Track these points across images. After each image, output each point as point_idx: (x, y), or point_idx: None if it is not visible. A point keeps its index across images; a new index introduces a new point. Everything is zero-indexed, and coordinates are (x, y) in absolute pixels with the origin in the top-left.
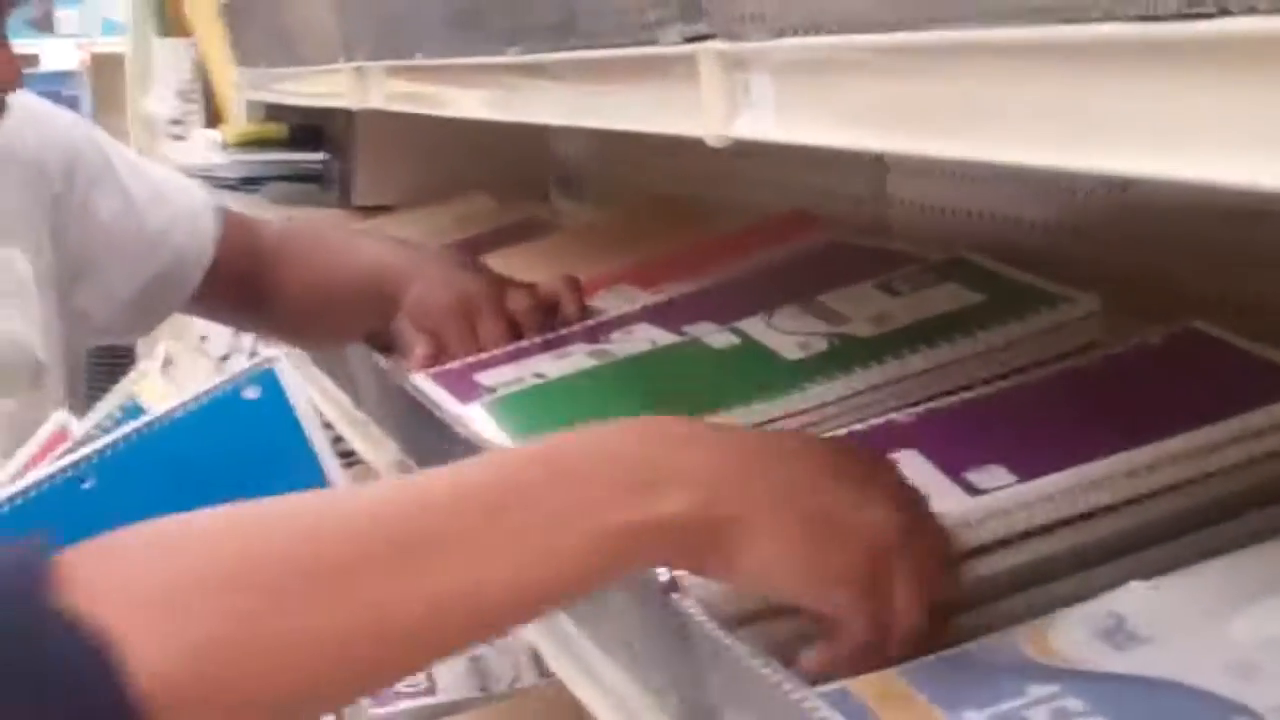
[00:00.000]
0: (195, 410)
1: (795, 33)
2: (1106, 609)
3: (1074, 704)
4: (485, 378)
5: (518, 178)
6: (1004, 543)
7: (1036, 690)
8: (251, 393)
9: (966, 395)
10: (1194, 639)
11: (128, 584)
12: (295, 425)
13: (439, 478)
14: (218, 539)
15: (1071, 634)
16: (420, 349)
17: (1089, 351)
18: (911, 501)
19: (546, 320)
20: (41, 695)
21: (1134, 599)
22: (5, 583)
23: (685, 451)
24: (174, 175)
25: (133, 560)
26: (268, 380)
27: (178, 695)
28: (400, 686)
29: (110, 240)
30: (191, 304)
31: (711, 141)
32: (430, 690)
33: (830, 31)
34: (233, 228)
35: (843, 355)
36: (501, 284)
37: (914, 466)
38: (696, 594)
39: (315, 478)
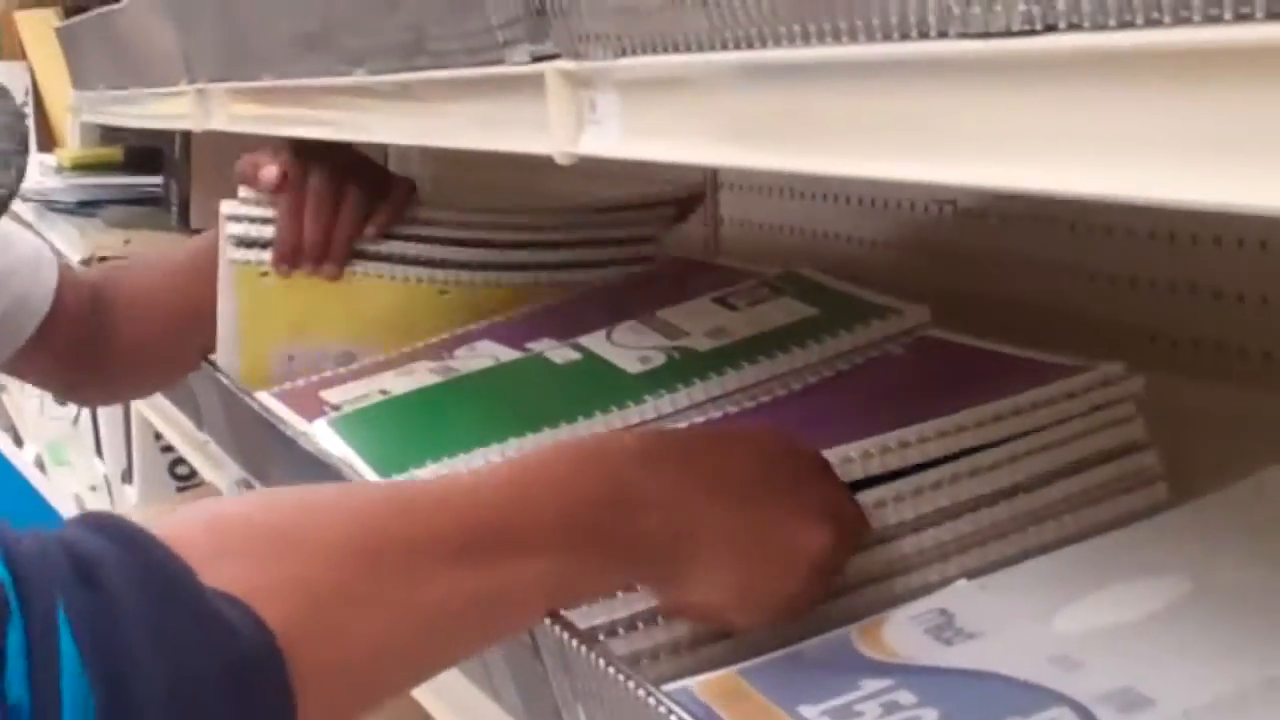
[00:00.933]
0: None
1: (637, 51)
2: (936, 607)
3: (905, 697)
4: (331, 395)
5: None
6: None
7: (870, 685)
8: None
9: (763, 399)
10: (1019, 634)
11: (260, 561)
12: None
13: (481, 487)
14: (329, 515)
15: (903, 631)
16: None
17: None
18: (844, 501)
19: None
20: (214, 655)
21: (961, 597)
22: (161, 575)
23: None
24: (13, 224)
25: (258, 536)
26: None
27: (301, 645)
28: None
29: None
30: (21, 358)
31: (559, 159)
32: None
33: (671, 50)
34: (68, 279)
35: (682, 368)
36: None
37: None
38: None
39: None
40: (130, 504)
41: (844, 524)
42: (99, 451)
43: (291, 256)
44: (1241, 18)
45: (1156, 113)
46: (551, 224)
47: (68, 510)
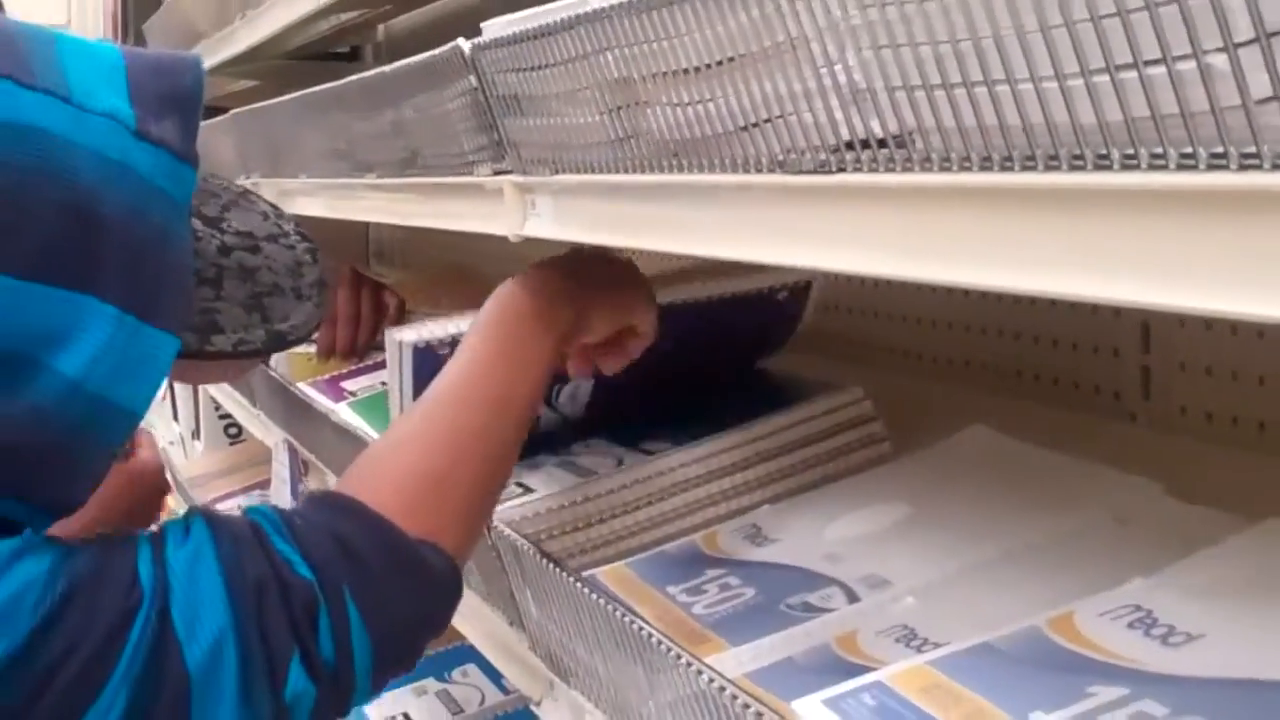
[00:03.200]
0: None
1: (562, 171)
2: (750, 522)
3: (731, 580)
4: (348, 385)
5: (348, 251)
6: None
7: (711, 572)
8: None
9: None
10: (802, 539)
11: (425, 504)
12: None
13: (484, 351)
14: (425, 448)
15: (728, 536)
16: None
17: None
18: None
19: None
20: (430, 592)
21: (765, 515)
22: (388, 542)
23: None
24: None
25: (411, 487)
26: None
27: (464, 547)
28: None
29: None
30: None
31: (511, 239)
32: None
33: (583, 171)
34: None
35: None
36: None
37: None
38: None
39: None
40: (198, 452)
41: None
42: (175, 416)
43: (326, 354)
44: None
45: None
46: None
47: None
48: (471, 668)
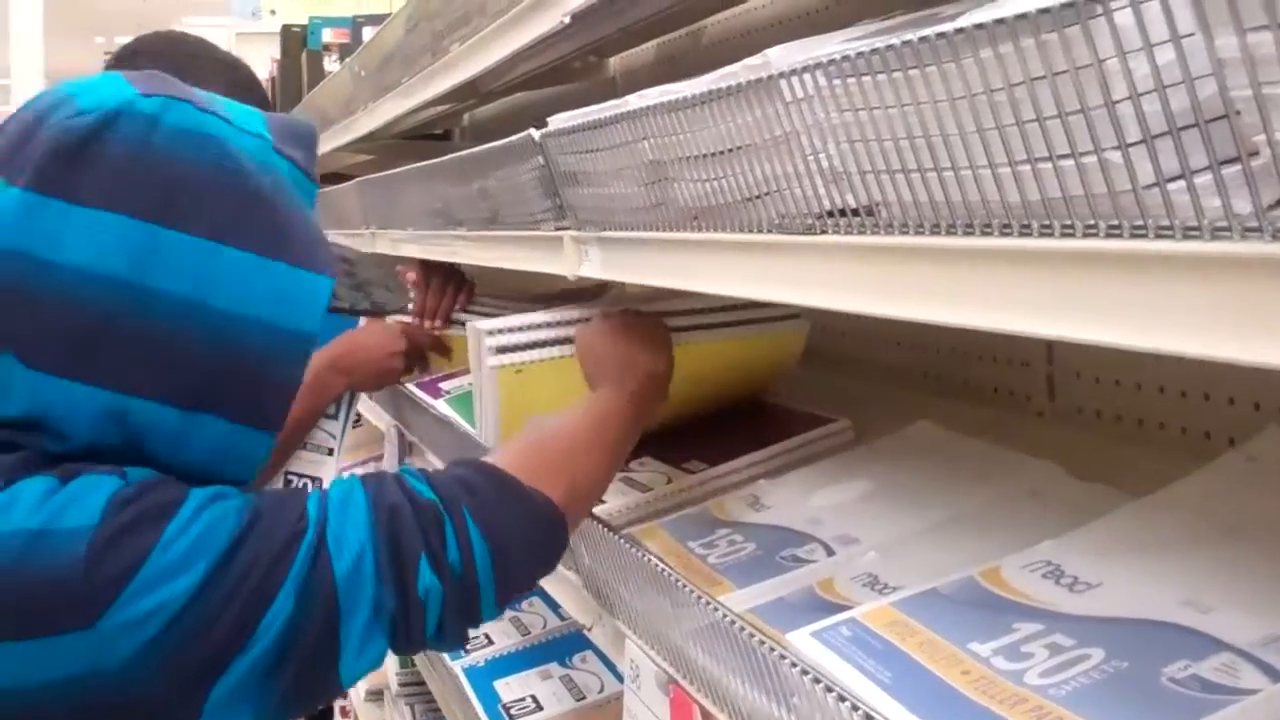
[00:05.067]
0: None
1: (610, 229)
2: (750, 493)
3: (736, 537)
4: (444, 385)
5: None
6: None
7: (720, 531)
8: None
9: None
10: (789, 506)
11: (541, 469)
12: None
13: (603, 399)
14: (559, 440)
15: (733, 504)
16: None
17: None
18: (669, 338)
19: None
20: (539, 528)
21: (762, 488)
22: (506, 485)
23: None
24: None
25: (533, 458)
26: None
27: (570, 513)
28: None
29: None
30: None
31: (570, 277)
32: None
33: (625, 229)
34: None
35: None
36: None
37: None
38: None
39: None
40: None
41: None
42: None
43: (421, 316)
44: None
45: None
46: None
47: None
48: (537, 600)
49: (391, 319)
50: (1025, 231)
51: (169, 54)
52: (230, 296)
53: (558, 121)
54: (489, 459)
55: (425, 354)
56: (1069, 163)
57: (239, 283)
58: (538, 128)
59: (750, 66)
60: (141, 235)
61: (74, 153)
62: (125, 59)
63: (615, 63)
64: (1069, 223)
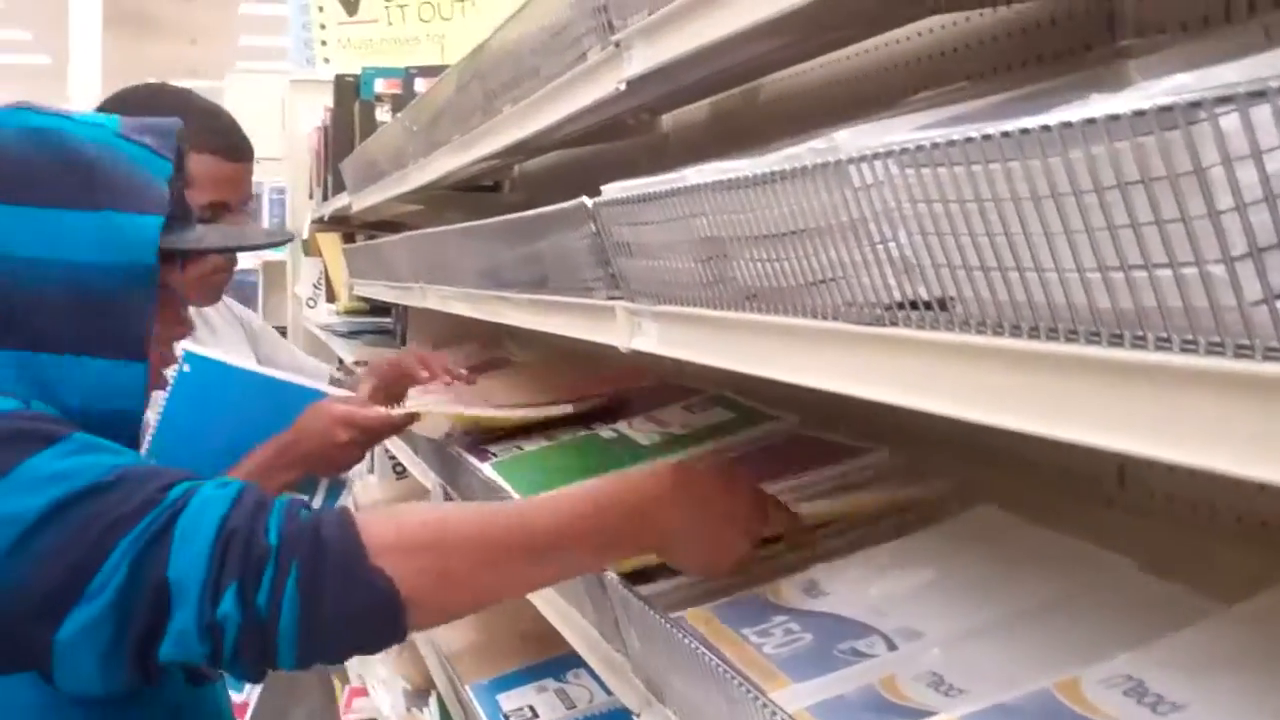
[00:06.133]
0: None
1: (663, 302)
2: (808, 577)
3: (793, 626)
4: (492, 448)
5: (491, 335)
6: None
7: (777, 619)
8: (187, 367)
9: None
10: (849, 594)
11: (408, 549)
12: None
13: (558, 507)
14: (456, 524)
15: (790, 588)
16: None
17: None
18: (768, 506)
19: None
20: (362, 606)
21: (820, 572)
22: (340, 542)
23: (660, 511)
24: (309, 358)
25: (407, 534)
26: (192, 359)
27: (422, 603)
28: None
29: (276, 359)
30: None
31: (622, 349)
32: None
33: (680, 304)
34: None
35: (670, 443)
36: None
37: None
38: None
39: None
40: (372, 484)
41: (765, 521)
42: None
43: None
44: None
45: None
46: None
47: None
48: (583, 671)
49: (341, 404)
50: (1115, 341)
51: (150, 103)
52: (71, 248)
53: (612, 191)
54: (372, 518)
55: (381, 433)
56: (1166, 272)
57: (74, 235)
58: (590, 194)
59: (816, 150)
60: None
61: None
62: (111, 106)
63: (668, 120)
64: (1165, 335)
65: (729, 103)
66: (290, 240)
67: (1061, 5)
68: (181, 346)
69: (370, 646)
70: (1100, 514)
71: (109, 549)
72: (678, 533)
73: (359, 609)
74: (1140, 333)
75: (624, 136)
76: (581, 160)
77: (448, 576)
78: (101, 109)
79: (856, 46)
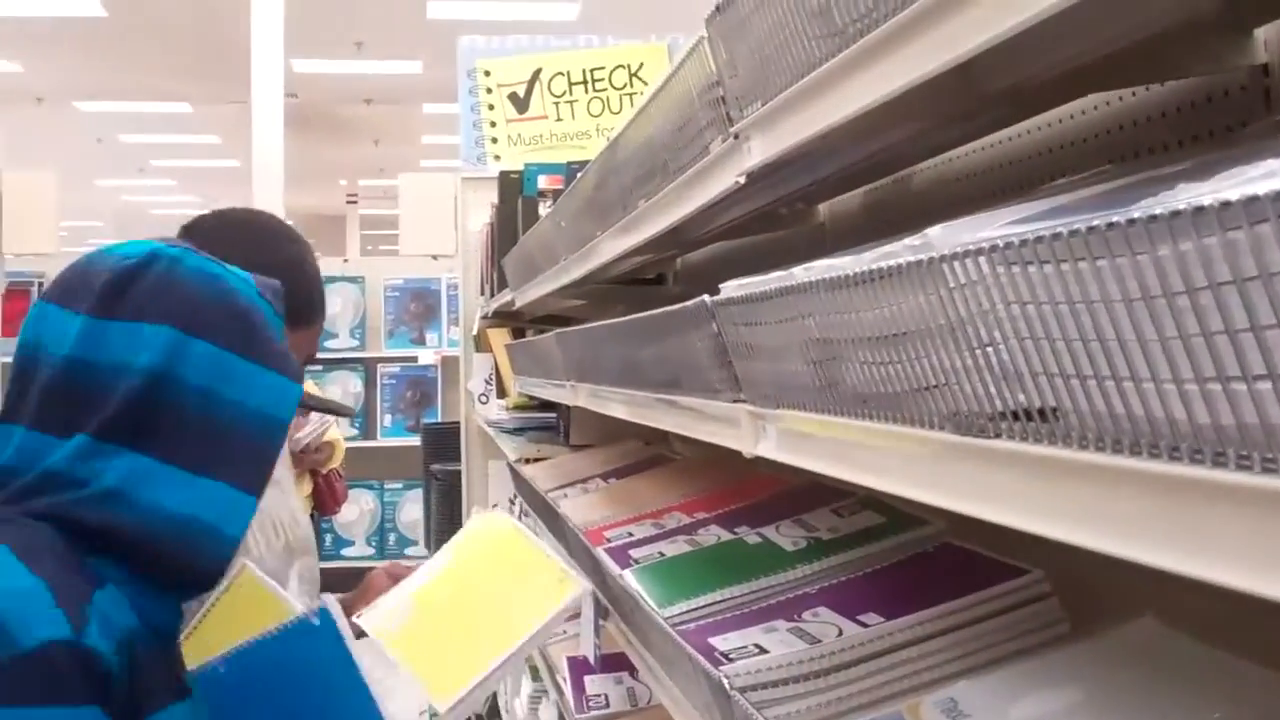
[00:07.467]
0: (274, 634)
1: (785, 407)
2: (948, 696)
3: None
4: (634, 554)
5: (655, 431)
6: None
7: None
8: (315, 620)
9: (856, 574)
10: (990, 712)
11: None
12: (347, 655)
13: None
14: None
15: (930, 710)
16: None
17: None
18: None
19: None
20: None
21: (961, 691)
22: None
23: None
24: None
25: None
26: (324, 615)
27: None
28: None
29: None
30: None
31: (746, 454)
32: None
33: (797, 408)
34: None
35: (816, 549)
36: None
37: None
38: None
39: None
40: None
41: None
42: None
43: None
44: None
45: None
46: None
47: None
48: None
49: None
50: (1244, 464)
51: (254, 251)
52: (236, 389)
53: (729, 289)
54: None
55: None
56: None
57: (242, 381)
58: (711, 293)
59: (910, 246)
60: (173, 339)
61: (124, 282)
62: (190, 229)
63: (824, 209)
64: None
65: (883, 191)
66: (350, 415)
67: (1218, 81)
68: (326, 600)
69: None
70: (1270, 627)
71: None
72: None
73: None
74: (1270, 455)
75: (781, 226)
76: (739, 251)
77: None
78: (183, 231)
79: (1014, 129)
